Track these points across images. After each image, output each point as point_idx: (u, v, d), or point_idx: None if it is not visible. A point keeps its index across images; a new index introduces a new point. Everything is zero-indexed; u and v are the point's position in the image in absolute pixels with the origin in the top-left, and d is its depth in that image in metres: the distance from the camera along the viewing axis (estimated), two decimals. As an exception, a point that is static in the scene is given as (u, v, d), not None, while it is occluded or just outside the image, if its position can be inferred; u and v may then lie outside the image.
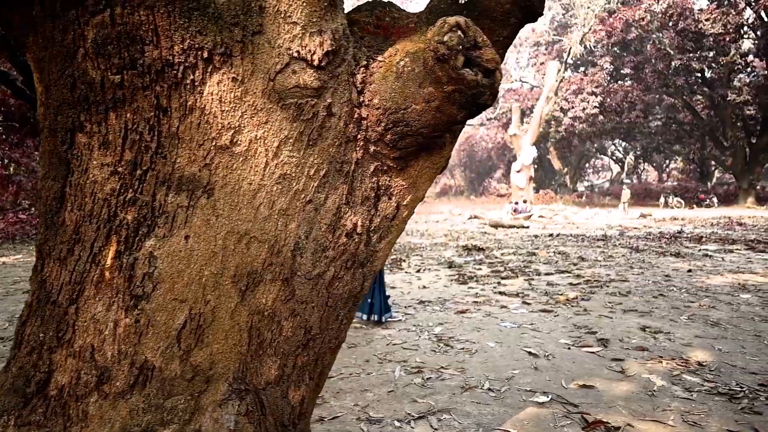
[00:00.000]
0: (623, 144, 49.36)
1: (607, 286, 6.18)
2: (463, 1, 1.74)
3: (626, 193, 25.54)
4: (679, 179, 46.48)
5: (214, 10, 1.21)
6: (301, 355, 1.44)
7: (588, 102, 28.22)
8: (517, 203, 22.19)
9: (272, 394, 1.38)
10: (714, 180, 44.10)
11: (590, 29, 22.11)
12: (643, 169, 61.40)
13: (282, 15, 1.29)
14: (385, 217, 1.59)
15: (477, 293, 5.94)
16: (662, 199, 29.55)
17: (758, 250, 9.37)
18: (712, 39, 24.20)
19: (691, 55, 25.18)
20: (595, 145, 46.84)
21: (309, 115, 1.37)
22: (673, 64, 25.48)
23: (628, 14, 24.69)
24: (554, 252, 9.69)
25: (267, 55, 1.29)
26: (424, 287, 6.37)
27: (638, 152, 49.10)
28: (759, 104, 26.31)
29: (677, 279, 6.57)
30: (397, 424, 2.59)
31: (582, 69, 32.88)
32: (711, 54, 26.20)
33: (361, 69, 1.53)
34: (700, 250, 9.63)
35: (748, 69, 28.31)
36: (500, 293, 5.91)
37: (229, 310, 1.30)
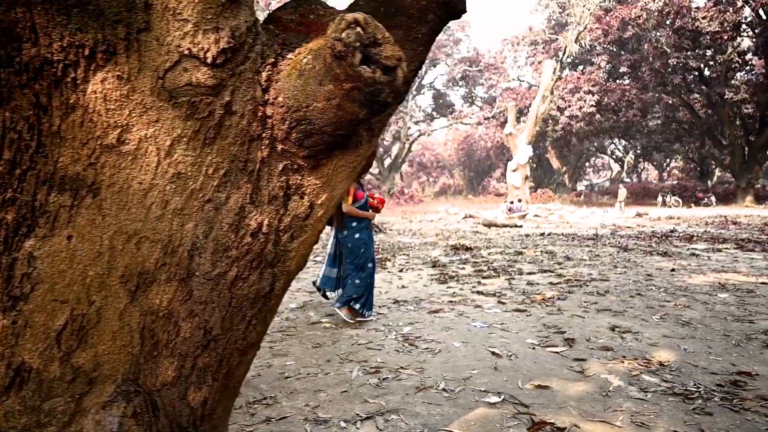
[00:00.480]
0: (623, 143, 49.35)
1: (587, 286, 6.16)
2: (380, -2, 1.72)
3: (622, 192, 25.50)
4: (679, 178, 46.43)
5: (95, 7, 1.19)
6: (201, 356, 1.42)
7: (585, 101, 28.16)
8: (512, 202, 22.17)
9: (168, 395, 1.37)
10: (715, 179, 44.02)
11: (585, 27, 22.04)
12: (643, 168, 61.35)
13: (171, 12, 1.27)
14: (296, 216, 1.57)
15: (455, 293, 5.92)
16: (660, 199, 29.47)
17: (747, 249, 9.33)
18: (709, 37, 24.13)
19: (688, 53, 25.11)
20: (595, 144, 46.83)
21: (204, 114, 1.35)
22: (670, 62, 25.39)
23: (624, 12, 24.63)
24: (541, 251, 9.66)
25: (155, 52, 1.27)
26: (403, 287, 6.35)
27: (638, 151, 49.05)
28: (757, 103, 26.24)
29: (659, 278, 6.54)
30: (343, 424, 2.57)
31: (580, 68, 32.82)
32: (709, 52, 26.14)
33: (268, 67, 1.51)
34: (688, 249, 9.59)
35: (747, 67, 28.23)
36: (478, 293, 5.89)
37: (118, 311, 1.28)
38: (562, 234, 13.40)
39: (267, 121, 1.49)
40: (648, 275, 6.80)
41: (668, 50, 25.20)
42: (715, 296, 5.41)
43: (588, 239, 11.88)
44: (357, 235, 4.64)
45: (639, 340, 3.91)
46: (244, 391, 3.03)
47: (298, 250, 1.62)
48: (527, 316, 4.77)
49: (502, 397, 2.87)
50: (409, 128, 40.55)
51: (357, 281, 4.57)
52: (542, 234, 13.56)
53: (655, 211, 24.56)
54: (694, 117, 29.87)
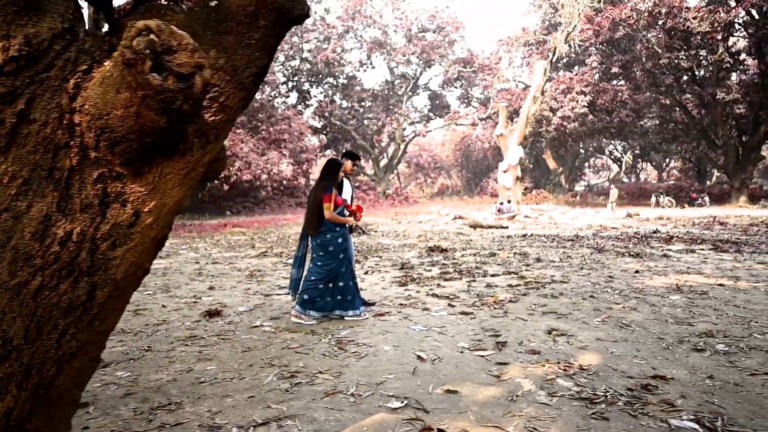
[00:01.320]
0: (623, 143, 49.20)
1: (544, 288, 6.14)
2: (213, 4, 1.71)
3: (614, 193, 25.44)
4: (677, 178, 46.30)
5: None
6: (2, 366, 1.42)
7: (577, 101, 28.12)
8: (502, 204, 22.13)
9: (-40, 405, 1.36)
10: (714, 179, 43.86)
11: (574, 28, 22.00)
12: (642, 168, 61.20)
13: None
14: (118, 224, 1.56)
15: (410, 295, 5.91)
16: (653, 199, 29.41)
17: (721, 250, 9.29)
18: (700, 37, 24.06)
19: (680, 53, 25.05)
20: (594, 144, 46.76)
21: (-7, 122, 1.35)
22: (661, 62, 25.33)
23: (614, 13, 24.58)
24: (515, 253, 9.64)
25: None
26: (362, 289, 6.33)
27: (636, 152, 48.91)
28: (749, 103, 26.15)
29: (620, 280, 6.52)
30: (235, 430, 2.56)
31: (575, 68, 32.77)
32: (702, 52, 26.06)
33: (78, 74, 1.50)
34: (663, 250, 9.55)
35: (741, 67, 28.13)
36: (433, 295, 5.87)
37: None
38: (544, 235, 13.36)
39: (75, 129, 1.48)
40: (610, 277, 6.77)
41: (659, 50, 25.13)
42: (667, 298, 5.38)
43: (567, 240, 11.85)
44: (339, 240, 4.79)
45: (570, 344, 3.89)
46: (152, 396, 3.03)
47: (125, 258, 1.60)
48: (471, 319, 4.75)
49: (406, 402, 2.85)
50: (404, 129, 40.55)
51: (331, 285, 4.76)
52: (525, 235, 13.53)
53: (646, 211, 24.50)
54: (688, 117, 29.79)
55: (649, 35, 24.94)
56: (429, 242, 12.10)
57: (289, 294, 5.20)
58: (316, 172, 28.90)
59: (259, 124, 29.71)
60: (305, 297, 4.72)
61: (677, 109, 29.64)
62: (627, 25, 25.08)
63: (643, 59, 25.90)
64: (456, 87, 41.51)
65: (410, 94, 41.46)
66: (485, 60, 37.61)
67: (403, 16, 37.19)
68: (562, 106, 28.70)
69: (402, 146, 41.67)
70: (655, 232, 13.32)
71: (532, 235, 13.59)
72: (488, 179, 57.18)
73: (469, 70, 37.74)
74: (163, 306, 5.59)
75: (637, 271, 7.15)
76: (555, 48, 22.43)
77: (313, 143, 44.15)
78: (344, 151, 5.53)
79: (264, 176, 25.47)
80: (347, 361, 3.61)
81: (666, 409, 2.72)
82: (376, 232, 15.52)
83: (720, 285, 6.03)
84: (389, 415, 2.70)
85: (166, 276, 7.82)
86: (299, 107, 39.93)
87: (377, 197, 38.39)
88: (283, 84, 37.51)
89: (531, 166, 50.48)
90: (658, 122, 34.01)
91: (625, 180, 53.86)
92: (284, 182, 35.94)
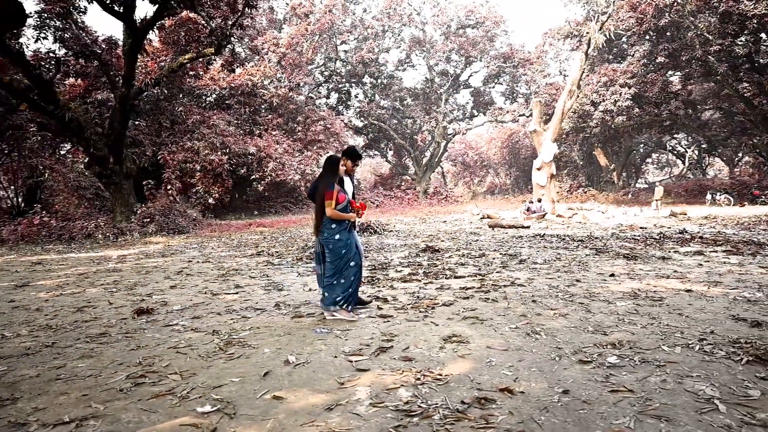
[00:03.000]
0: (688, 138, 46.16)
1: (496, 291, 5.86)
2: None
3: (658, 191, 23.92)
4: (749, 174, 42.81)
5: None
6: None
7: (620, 94, 26.61)
8: (531, 202, 21.36)
9: None
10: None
11: (609, 16, 20.83)
12: (709, 164, 57.07)
13: None
14: None
15: (351, 297, 5.81)
16: (708, 197, 27.37)
17: (736, 253, 8.49)
18: (756, 21, 22.13)
19: (733, 39, 23.15)
20: (652, 139, 44.19)
21: None
22: (713, 49, 23.52)
23: (658, -1, 23.06)
24: (505, 254, 9.27)
25: None
26: (311, 290, 6.32)
27: (703, 146, 45.71)
28: (818, 89, 23.75)
29: (583, 284, 6.11)
30: (36, 428, 2.62)
31: (620, 60, 31.07)
32: (761, 36, 23.96)
33: None
34: (669, 252, 8.88)
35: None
36: (376, 297, 5.75)
37: None
38: (558, 236, 12.76)
39: None
40: (576, 281, 6.37)
41: (711, 37, 23.35)
42: (613, 305, 4.98)
43: (576, 241, 11.26)
44: (337, 237, 4.71)
45: (455, 351, 3.69)
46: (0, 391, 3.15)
47: None
48: (384, 322, 4.61)
49: (218, 407, 2.80)
50: (446, 127, 40.03)
51: (342, 281, 4.74)
52: (538, 236, 12.98)
53: (697, 210, 22.84)
54: (749, 107, 27.48)
55: (698, 21, 23.20)
56: (431, 242, 11.87)
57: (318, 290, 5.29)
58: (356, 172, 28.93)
59: (296, 125, 30.29)
60: (325, 294, 4.79)
61: (734, 98, 27.40)
62: (674, 11, 23.46)
63: (692, 47, 24.14)
64: (500, 83, 40.49)
65: (451, 91, 40.89)
66: (526, 54, 36.41)
67: (441, 13, 36.71)
68: (603, 100, 27.27)
69: (442, 145, 41.18)
70: (681, 233, 12.39)
71: (544, 235, 13.03)
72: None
73: (509, 65, 36.70)
74: (110, 303, 5.81)
75: (612, 275, 6.67)
76: (589, 39, 21.31)
77: (357, 143, 44.57)
78: (344, 149, 5.33)
79: (297, 176, 25.91)
80: (216, 362, 3.60)
81: (479, 425, 2.52)
82: (389, 231, 15.42)
83: (688, 291, 5.52)
84: (192, 419, 2.67)
85: (149, 275, 8.14)
86: (340, 108, 40.39)
87: (416, 196, 38.19)
88: (321, 85, 38.07)
89: (581, 163, 48.59)
90: (717, 114, 31.62)
91: (690, 176, 50.45)
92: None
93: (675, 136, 45.08)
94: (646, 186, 49.54)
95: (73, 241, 14.68)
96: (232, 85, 27.53)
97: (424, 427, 2.51)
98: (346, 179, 5.20)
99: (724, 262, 7.56)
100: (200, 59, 19.91)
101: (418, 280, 6.80)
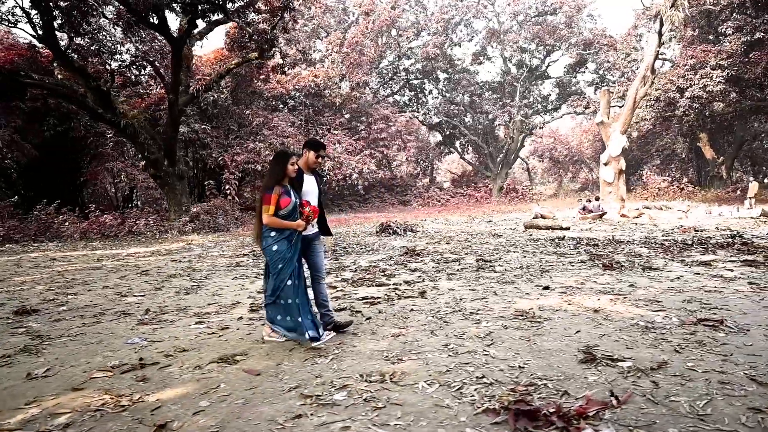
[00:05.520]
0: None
1: (398, 300, 5.37)
2: None
3: (752, 187, 20.70)
4: None
5: None
6: None
7: (711, 77, 23.32)
8: (589, 201, 19.51)
9: None
10: None
11: (683, -10, 18.31)
12: None
13: None
14: None
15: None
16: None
17: (752, 265, 7.02)
18: None
19: None
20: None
21: None
22: (829, 19, 19.75)
23: (754, -35, 19.78)
24: (484, 259, 8.51)
25: None
26: (250, 296, 6.22)
27: None
28: None
29: (499, 297, 5.39)
30: None
31: (716, 39, 27.24)
32: None
33: None
34: (672, 260, 7.58)
35: None
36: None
37: None
38: (580, 239, 11.47)
39: None
40: (494, 293, 5.65)
41: (825, 4, 19.62)
42: (475, 326, 4.31)
43: (592, 246, 10.03)
44: (275, 248, 3.92)
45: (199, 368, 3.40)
46: None
47: None
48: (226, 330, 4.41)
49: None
50: (523, 121, 38.02)
51: (281, 302, 3.97)
52: (559, 238, 11.80)
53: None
54: None
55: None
56: (439, 245, 11.30)
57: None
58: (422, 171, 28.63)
59: (359, 124, 30.60)
60: (266, 312, 4.13)
61: None
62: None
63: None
64: (582, 72, 37.63)
65: (530, 83, 38.78)
66: (609, 39, 33.39)
67: (517, 1, 34.90)
68: (691, 85, 24.10)
69: (520, 139, 39.23)
70: (732, 237, 10.55)
71: (564, 238, 11.81)
72: (640, 173, 50.71)
73: (591, 52, 33.91)
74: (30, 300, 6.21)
75: (546, 287, 5.82)
76: (660, 17, 18.91)
77: (432, 140, 44.03)
78: (306, 140, 4.41)
79: (355, 175, 26.16)
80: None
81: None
82: (412, 232, 14.94)
83: (595, 311, 4.63)
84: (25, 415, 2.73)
85: (141, 274, 8.55)
86: (413, 104, 40.11)
87: (488, 194, 36.79)
88: (387, 83, 38.04)
89: (684, 156, 43.52)
90: None
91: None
92: (396, 180, 36.49)
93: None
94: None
95: (116, 238, 16.11)
96: (297, 87, 28.46)
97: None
98: (309, 177, 4.28)
99: (716, 275, 6.26)
100: (248, 63, 20.75)
101: (365, 285, 6.46)
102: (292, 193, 4.00)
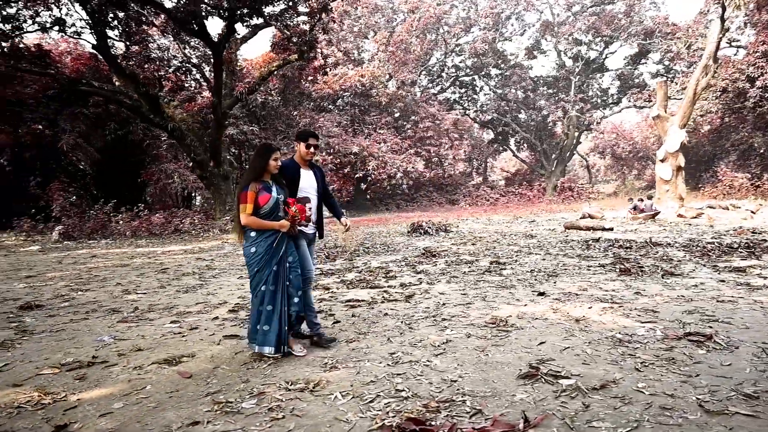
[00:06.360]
0: None
1: (383, 303, 5.25)
2: None
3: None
4: None
5: None
6: None
7: (786, 64, 21.20)
8: (641, 200, 18.28)
9: None
10: None
11: (747, -30, 16.73)
12: None
13: None
14: None
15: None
16: None
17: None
18: None
19: None
20: None
21: None
22: None
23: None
24: (499, 262, 8.18)
25: None
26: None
27: None
28: None
29: (474, 304, 5.13)
30: None
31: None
32: None
33: None
34: (706, 265, 6.95)
35: None
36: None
37: None
38: (618, 241, 10.78)
39: None
40: (483, 298, 5.38)
41: None
42: (440, 332, 4.11)
43: (624, 248, 9.40)
44: (253, 249, 3.63)
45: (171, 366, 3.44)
46: None
47: None
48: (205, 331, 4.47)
49: None
50: (578, 117, 36.35)
51: (252, 308, 3.70)
52: (592, 239, 11.15)
53: None
54: None
55: None
56: (462, 245, 11.02)
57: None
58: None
59: (405, 123, 30.45)
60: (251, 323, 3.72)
61: None
62: None
63: None
64: (643, 62, 35.49)
65: (586, 76, 37.05)
66: (672, 27, 31.22)
67: (571, -9, 33.43)
68: (762, 74, 22.06)
69: (576, 135, 37.57)
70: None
71: (599, 239, 11.13)
72: (714, 169, 47.18)
73: (651, 41, 31.88)
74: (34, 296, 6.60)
75: (541, 294, 5.48)
76: (723, 2, 17.39)
77: (485, 137, 43.14)
78: (297, 132, 4.11)
79: (399, 174, 26.07)
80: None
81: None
82: (444, 232, 14.64)
83: (577, 320, 4.28)
84: None
85: (154, 272, 8.96)
86: (464, 102, 39.43)
87: (541, 193, 35.50)
88: (434, 81, 37.56)
89: (763, 151, 39.91)
90: None
91: None
92: (446, 179, 36.05)
93: None
94: None
95: (162, 236, 16.90)
96: (344, 87, 28.73)
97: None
98: (306, 172, 3.99)
99: (742, 284, 5.65)
100: (289, 65, 21.13)
101: (359, 287, 6.41)
102: (273, 188, 3.67)
